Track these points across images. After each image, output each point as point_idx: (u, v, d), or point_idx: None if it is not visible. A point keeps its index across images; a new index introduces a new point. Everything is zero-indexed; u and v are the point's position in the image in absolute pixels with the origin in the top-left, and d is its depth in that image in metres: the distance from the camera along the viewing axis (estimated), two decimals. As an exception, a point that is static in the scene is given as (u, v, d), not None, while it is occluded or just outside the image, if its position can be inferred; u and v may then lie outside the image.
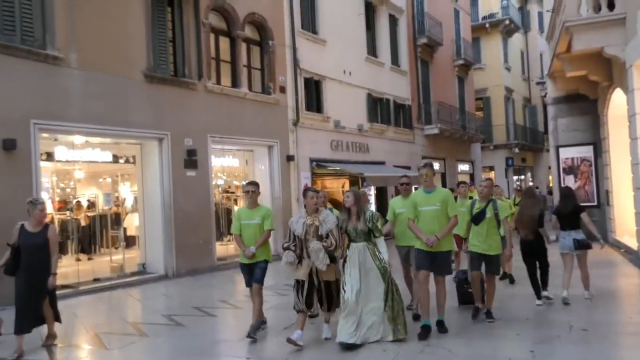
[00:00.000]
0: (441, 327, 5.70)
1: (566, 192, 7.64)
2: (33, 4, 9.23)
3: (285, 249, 5.53)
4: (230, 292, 9.69)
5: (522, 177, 34.89)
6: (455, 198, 8.01)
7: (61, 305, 8.46)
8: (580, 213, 7.13)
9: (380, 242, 5.56)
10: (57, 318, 6.08)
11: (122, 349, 5.89)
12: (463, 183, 9.19)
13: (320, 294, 5.54)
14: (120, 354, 5.77)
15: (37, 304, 5.72)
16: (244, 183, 14.94)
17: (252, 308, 6.06)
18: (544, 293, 7.13)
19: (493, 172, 31.08)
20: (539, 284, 7.10)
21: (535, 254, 7.08)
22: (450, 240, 5.86)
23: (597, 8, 10.68)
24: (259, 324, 6.03)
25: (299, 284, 5.54)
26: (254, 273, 6.04)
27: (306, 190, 5.75)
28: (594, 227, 7.21)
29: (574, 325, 5.84)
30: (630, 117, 10.31)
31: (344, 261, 5.59)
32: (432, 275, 5.79)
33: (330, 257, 5.44)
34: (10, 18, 8.91)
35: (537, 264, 7.14)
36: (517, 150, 30.35)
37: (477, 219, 6.25)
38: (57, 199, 13.92)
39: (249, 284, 6.15)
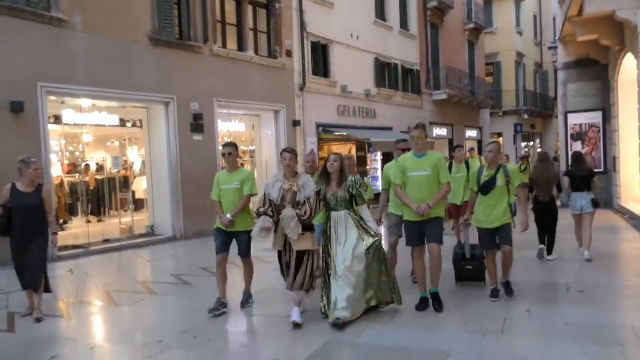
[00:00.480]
0: (437, 301, 5.21)
1: (578, 157, 8.05)
2: (37, -36, 9.16)
3: (260, 214, 4.98)
4: (236, 254, 9.87)
5: (531, 143, 34.66)
6: (451, 165, 7.88)
7: (73, 264, 8.79)
8: (593, 177, 7.70)
9: (364, 210, 5.11)
10: (47, 287, 5.74)
11: (132, 305, 6.10)
12: (459, 147, 8.57)
13: (289, 268, 5.00)
14: (131, 310, 5.98)
15: (36, 266, 5.50)
16: (251, 148, 15.24)
17: (241, 275, 5.86)
18: (549, 257, 7.62)
19: (502, 138, 30.83)
20: (550, 242, 7.66)
21: (548, 215, 7.58)
22: (442, 207, 5.33)
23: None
24: (248, 295, 5.74)
25: (280, 256, 5.11)
26: (238, 248, 5.64)
27: (284, 150, 5.14)
28: (599, 190, 7.74)
29: (572, 287, 5.96)
30: (639, 82, 10.19)
31: (324, 232, 5.16)
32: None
33: (306, 226, 4.90)
34: (15, -21, 8.86)
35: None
36: (526, 116, 30.05)
37: (486, 188, 5.49)
38: (66, 162, 14.09)
39: (220, 251, 5.58)
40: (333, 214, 5.06)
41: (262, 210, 4.99)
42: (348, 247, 4.92)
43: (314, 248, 5.00)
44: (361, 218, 5.08)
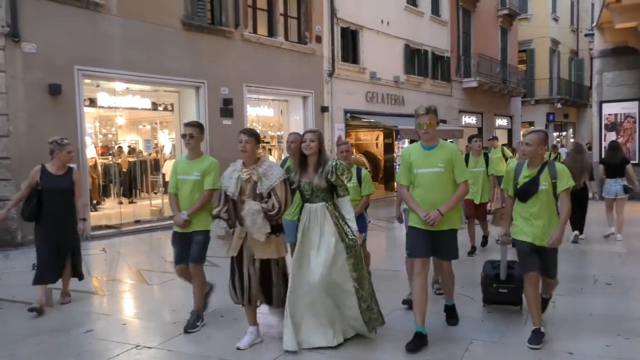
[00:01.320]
0: (451, 315, 4.47)
1: (614, 145, 8.86)
2: (74, -50, 9.36)
3: (214, 217, 4.00)
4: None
5: (564, 133, 33.91)
6: (467, 157, 7.18)
7: (105, 243, 9.09)
8: (627, 164, 8.46)
9: (345, 203, 4.03)
10: (78, 274, 5.49)
11: (162, 284, 6.30)
12: (476, 137, 7.58)
13: (250, 281, 3.95)
14: (160, 288, 6.18)
15: (62, 254, 5.23)
16: (279, 133, 15.36)
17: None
18: (581, 237, 8.31)
19: (532, 127, 30.28)
20: (580, 224, 8.28)
21: (579, 201, 7.93)
22: (457, 216, 4.16)
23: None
24: (196, 316, 4.58)
25: (233, 263, 4.06)
26: (190, 249, 4.55)
27: (240, 131, 4.06)
28: (635, 177, 8.40)
29: (599, 280, 5.91)
30: (679, 72, 9.87)
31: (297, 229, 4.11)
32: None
33: (273, 226, 3.88)
34: (53, -36, 9.08)
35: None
36: (559, 105, 29.39)
37: (525, 192, 4.06)
38: (100, 144, 14.47)
39: (179, 261, 4.67)
40: (307, 206, 4.02)
41: (215, 211, 4.00)
42: (323, 255, 3.89)
43: (278, 255, 3.99)
44: (340, 214, 4.01)
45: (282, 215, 3.94)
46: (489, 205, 7.58)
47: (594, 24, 16.03)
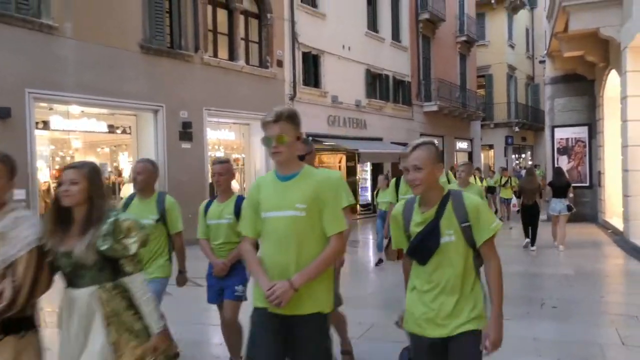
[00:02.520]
0: None
1: (559, 171, 10.72)
2: (28, -28, 9.25)
3: None
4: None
5: (523, 155, 34.95)
6: (397, 183, 5.75)
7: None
8: (569, 187, 10.06)
9: (138, 285, 2.39)
10: None
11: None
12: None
13: None
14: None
15: None
16: (243, 156, 15.31)
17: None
18: (532, 248, 9.72)
19: (492, 150, 31.14)
20: (532, 236, 9.74)
21: (530, 215, 9.78)
22: (326, 292, 2.50)
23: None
24: None
25: None
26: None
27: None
28: (571, 198, 10.09)
29: (545, 303, 6.04)
30: (622, 99, 10.35)
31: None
32: None
33: (12, 324, 2.24)
34: (5, -14, 8.94)
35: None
36: (517, 129, 30.34)
37: (421, 251, 2.44)
38: (56, 167, 14.09)
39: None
40: (66, 292, 2.40)
41: None
42: None
43: None
44: (129, 307, 2.36)
45: (17, 310, 2.22)
46: None
47: (545, 51, 16.70)
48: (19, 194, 8.90)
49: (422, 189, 2.37)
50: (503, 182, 15.30)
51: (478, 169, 14.31)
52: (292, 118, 2.47)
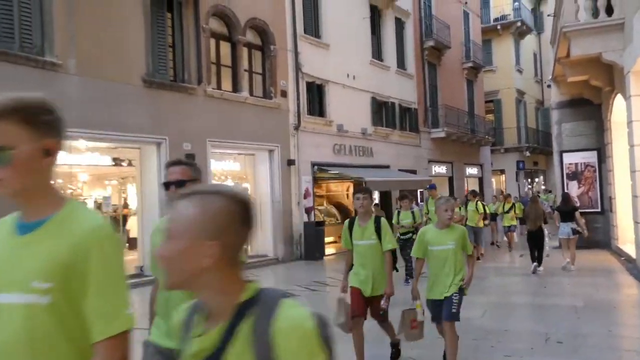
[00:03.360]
0: None
1: (566, 196, 11.43)
2: (32, 12, 9.45)
3: None
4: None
5: (537, 180, 34.55)
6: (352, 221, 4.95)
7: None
8: (575, 212, 10.69)
9: None
10: None
11: None
12: (361, 192, 4.94)
13: None
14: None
15: None
16: (246, 185, 15.27)
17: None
18: (539, 268, 10.37)
19: (504, 175, 30.84)
20: (539, 258, 10.47)
21: (536, 240, 10.49)
22: None
23: (596, 13, 10.57)
24: None
25: None
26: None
27: None
28: (582, 222, 10.63)
29: (550, 338, 5.81)
30: (628, 123, 10.18)
31: None
32: None
33: None
34: (9, 26, 9.13)
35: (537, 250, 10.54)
36: (528, 153, 30.09)
37: None
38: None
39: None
40: None
41: None
42: None
43: None
44: None
45: None
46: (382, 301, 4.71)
47: (550, 76, 16.61)
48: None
49: (172, 279, 1.16)
50: (506, 208, 14.75)
51: (474, 192, 13.52)
52: (22, 112, 1.36)
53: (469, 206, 12.67)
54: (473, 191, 13.67)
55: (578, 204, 13.93)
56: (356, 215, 4.94)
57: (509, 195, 15.55)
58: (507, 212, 14.59)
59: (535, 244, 10.48)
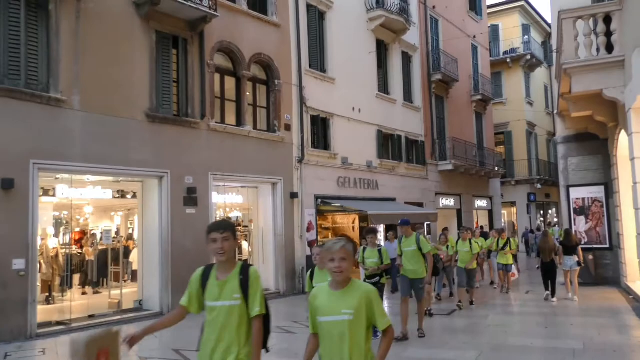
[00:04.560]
0: None
1: (569, 232, 12.23)
2: (39, 50, 9.72)
3: None
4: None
5: (550, 212, 34.10)
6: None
7: (51, 342, 8.69)
8: (577, 246, 11.75)
9: None
10: None
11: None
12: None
13: None
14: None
15: None
16: (250, 219, 15.29)
17: None
18: (552, 299, 11.44)
19: (515, 207, 30.48)
20: (552, 289, 11.59)
21: (549, 271, 11.68)
22: None
23: (596, 50, 10.57)
24: None
25: None
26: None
27: None
28: (581, 256, 11.83)
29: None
30: (631, 160, 10.04)
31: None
32: None
33: None
34: (16, 63, 9.39)
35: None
36: (539, 185, 29.78)
37: None
38: (76, 229, 14.33)
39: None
40: None
41: None
42: None
43: None
44: None
45: None
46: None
47: (555, 111, 16.54)
48: (18, 263, 9.00)
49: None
50: (501, 245, 13.35)
51: (466, 228, 12.15)
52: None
53: (460, 246, 11.40)
54: (466, 227, 12.40)
55: (584, 240, 13.90)
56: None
57: (502, 231, 14.15)
58: (502, 248, 13.26)
59: (548, 275, 11.65)
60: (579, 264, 11.55)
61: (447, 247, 12.64)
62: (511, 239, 13.45)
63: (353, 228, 19.35)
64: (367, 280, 8.25)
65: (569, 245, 11.59)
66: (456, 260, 11.61)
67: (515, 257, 14.48)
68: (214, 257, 3.33)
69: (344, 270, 2.98)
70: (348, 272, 3.01)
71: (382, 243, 18.58)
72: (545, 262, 11.71)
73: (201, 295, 3.35)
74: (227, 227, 3.34)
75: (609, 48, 10.42)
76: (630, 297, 11.55)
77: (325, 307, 3.01)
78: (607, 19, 10.42)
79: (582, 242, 13.84)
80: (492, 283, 14.74)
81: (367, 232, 8.79)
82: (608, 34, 10.44)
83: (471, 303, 11.18)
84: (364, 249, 8.53)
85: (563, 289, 12.17)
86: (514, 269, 13.39)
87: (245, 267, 3.34)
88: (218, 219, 13.98)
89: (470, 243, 11.23)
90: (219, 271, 3.36)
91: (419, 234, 8.76)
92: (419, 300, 8.45)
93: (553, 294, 11.57)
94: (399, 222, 8.87)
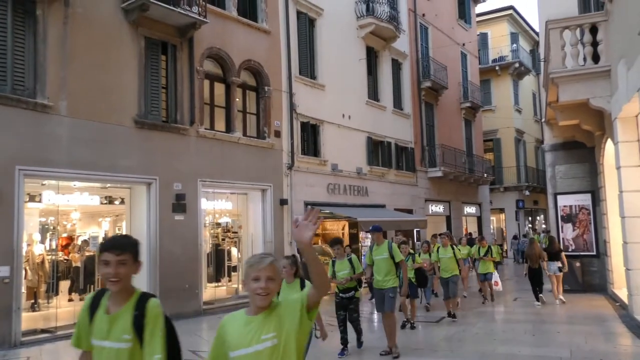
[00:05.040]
0: None
1: (552, 240, 13.09)
2: (25, 55, 9.64)
3: None
4: (205, 340, 9.60)
5: (538, 218, 34.32)
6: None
7: (35, 351, 8.57)
8: (560, 252, 12.55)
9: None
10: None
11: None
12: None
13: None
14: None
15: None
16: (238, 225, 15.24)
17: None
18: (537, 303, 11.96)
19: (503, 214, 30.67)
20: (539, 293, 12.12)
21: (537, 276, 12.20)
22: None
23: (583, 60, 10.68)
24: None
25: None
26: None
27: None
28: (565, 261, 12.50)
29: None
30: (617, 169, 10.13)
31: None
32: None
33: None
34: (2, 69, 9.31)
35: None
36: (527, 192, 30.00)
37: None
38: (63, 235, 14.18)
39: None
40: None
41: None
42: None
43: None
44: None
45: None
46: None
47: (543, 119, 16.69)
48: (3, 270, 8.88)
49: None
50: (482, 253, 13.05)
51: (447, 234, 12.09)
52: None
53: (442, 253, 10.96)
54: (446, 233, 12.23)
55: (572, 247, 14.09)
56: None
57: (482, 238, 13.78)
58: (484, 256, 12.98)
59: (536, 280, 12.17)
60: (560, 269, 12.28)
61: (429, 254, 11.92)
62: (492, 247, 13.34)
63: (343, 234, 19.32)
64: (340, 294, 7.68)
65: (552, 252, 12.43)
66: (439, 267, 11.10)
67: (496, 265, 14.09)
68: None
69: (270, 293, 2.38)
70: (273, 295, 2.42)
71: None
72: (532, 268, 12.25)
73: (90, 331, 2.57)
74: (126, 248, 2.54)
75: (595, 58, 10.53)
76: (617, 304, 11.63)
77: (240, 337, 2.37)
78: (594, 30, 10.54)
79: (570, 250, 14.19)
80: (480, 290, 14.68)
81: (333, 243, 7.98)
82: (594, 44, 10.56)
83: (453, 315, 10.32)
84: (333, 262, 7.67)
85: (550, 295, 12.46)
86: (496, 278, 12.82)
87: (143, 299, 2.53)
88: (207, 225, 13.93)
89: (453, 249, 11.00)
90: (110, 301, 2.57)
91: (390, 241, 8.16)
92: (384, 312, 7.65)
93: (537, 298, 12.08)
94: (370, 228, 8.27)
